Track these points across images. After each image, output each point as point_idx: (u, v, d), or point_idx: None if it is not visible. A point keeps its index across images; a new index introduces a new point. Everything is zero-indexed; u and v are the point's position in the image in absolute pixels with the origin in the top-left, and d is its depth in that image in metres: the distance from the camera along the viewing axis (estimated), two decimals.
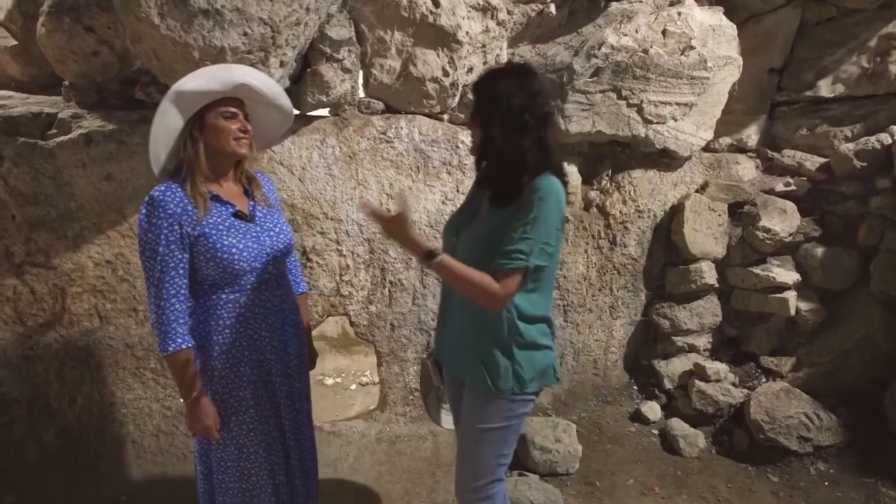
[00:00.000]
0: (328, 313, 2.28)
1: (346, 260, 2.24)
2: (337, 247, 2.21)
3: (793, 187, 2.70)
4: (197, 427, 1.38)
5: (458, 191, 2.33)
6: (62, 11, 1.88)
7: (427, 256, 1.23)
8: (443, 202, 2.32)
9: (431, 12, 2.12)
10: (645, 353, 2.86)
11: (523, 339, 1.31)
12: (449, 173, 2.31)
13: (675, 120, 2.53)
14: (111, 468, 2.09)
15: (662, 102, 2.46)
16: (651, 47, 2.31)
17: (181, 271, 1.33)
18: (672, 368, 2.72)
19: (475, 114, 1.32)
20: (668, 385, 2.69)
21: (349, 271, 2.25)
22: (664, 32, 2.34)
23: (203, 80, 1.28)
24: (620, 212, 2.67)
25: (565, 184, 1.36)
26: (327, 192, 2.15)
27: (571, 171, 2.58)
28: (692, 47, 2.36)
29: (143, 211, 1.31)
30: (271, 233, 1.46)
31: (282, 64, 1.69)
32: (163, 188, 1.32)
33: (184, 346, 1.34)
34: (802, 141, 2.88)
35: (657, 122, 2.50)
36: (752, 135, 2.95)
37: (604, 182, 2.66)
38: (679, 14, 2.35)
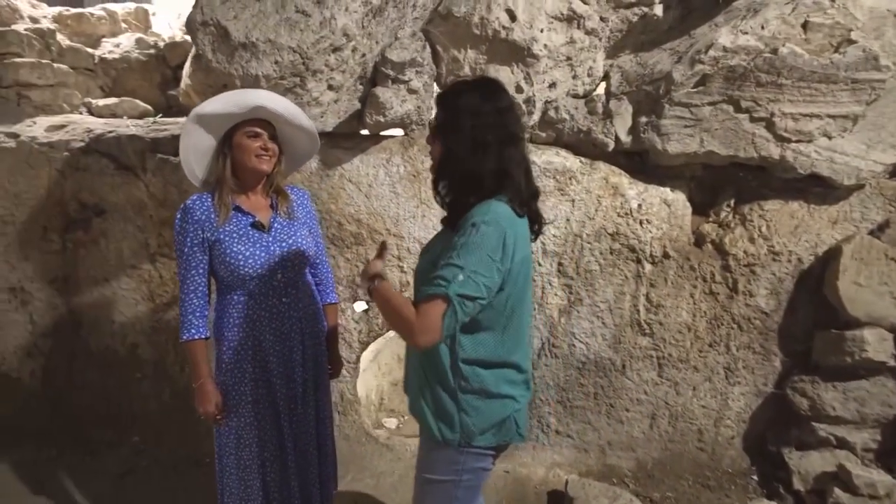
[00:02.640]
0: (387, 327, 2.33)
1: (407, 276, 2.26)
2: (398, 263, 2.25)
3: None
4: (200, 410, 1.55)
5: None
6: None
7: (371, 279, 1.17)
8: None
9: (504, 27, 2.02)
10: (775, 436, 2.22)
11: (470, 385, 1.15)
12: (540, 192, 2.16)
13: (829, 137, 1.93)
14: (206, 431, 2.46)
15: (805, 115, 1.90)
16: (783, 45, 1.81)
17: (201, 271, 1.52)
18: (808, 464, 2.05)
19: (437, 128, 1.22)
20: (798, 485, 2.04)
21: (409, 288, 2.27)
22: (805, 26, 1.81)
23: (220, 104, 1.45)
24: (745, 251, 2.14)
25: (535, 216, 1.19)
26: (391, 209, 2.21)
27: (677, 198, 2.17)
28: (851, 41, 1.78)
29: (178, 216, 1.53)
30: (283, 244, 1.56)
31: (331, 87, 1.81)
32: (195, 198, 1.53)
33: (196, 337, 1.52)
34: None
35: (798, 140, 1.94)
36: None
37: (723, 213, 2.17)
38: (832, 0, 1.79)
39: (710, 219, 2.19)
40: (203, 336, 1.53)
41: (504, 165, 1.12)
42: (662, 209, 2.15)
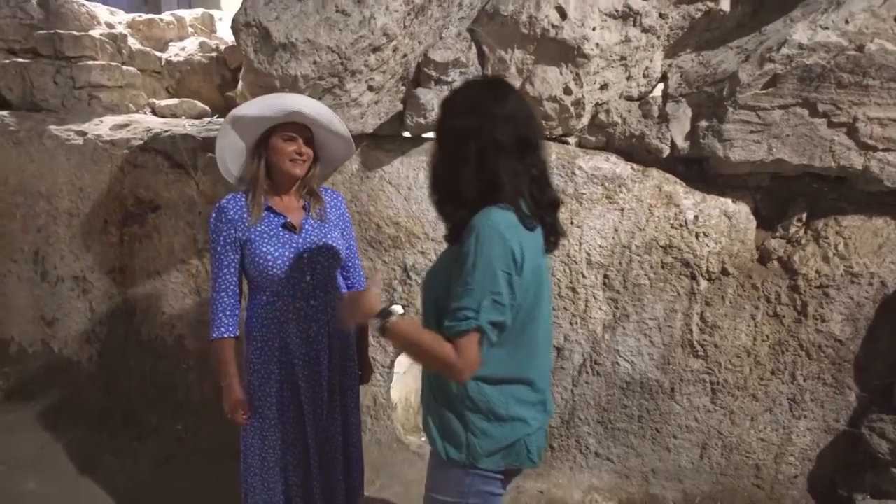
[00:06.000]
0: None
1: None
2: None
3: None
4: (226, 409, 1.56)
5: (571, 223, 2.05)
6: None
7: (379, 318, 1.09)
8: None
9: (554, 26, 1.93)
10: (846, 479, 1.98)
11: (477, 405, 1.08)
12: (561, 202, 2.05)
13: None
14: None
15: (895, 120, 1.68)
16: (871, 41, 1.61)
17: (232, 269, 1.53)
18: None
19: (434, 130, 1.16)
20: None
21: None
22: None
23: (258, 107, 1.46)
24: (818, 271, 1.93)
25: (550, 229, 1.11)
26: (430, 212, 2.15)
27: (739, 210, 1.99)
28: None
29: (213, 215, 1.55)
30: (313, 245, 1.55)
31: (371, 88, 1.78)
32: (230, 197, 1.54)
33: (225, 335, 1.53)
34: None
35: (886, 149, 1.72)
36: None
37: (793, 228, 1.96)
38: None
39: (778, 234, 1.99)
40: (232, 335, 1.54)
41: (490, 177, 1.03)
42: (722, 221, 1.98)
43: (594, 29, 1.92)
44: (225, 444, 2.45)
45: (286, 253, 1.50)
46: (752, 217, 2.00)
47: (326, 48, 1.57)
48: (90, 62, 2.74)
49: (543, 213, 1.10)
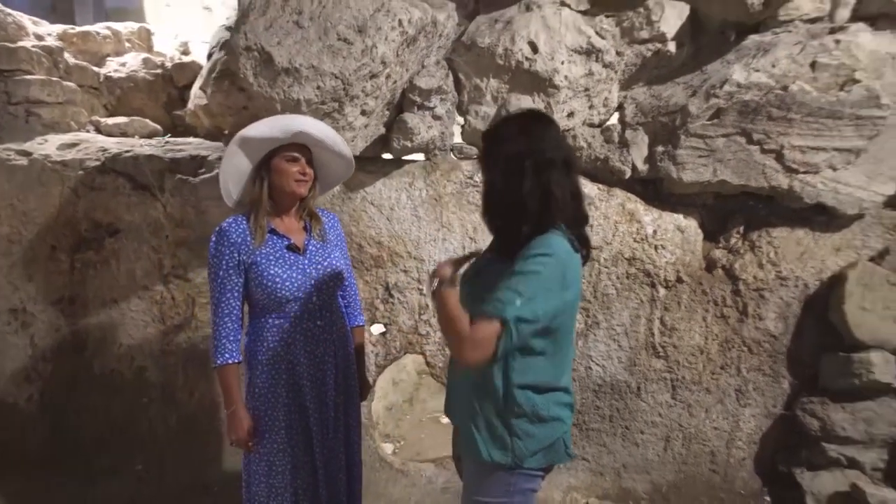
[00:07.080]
0: (405, 350, 2.33)
1: (426, 299, 2.27)
2: (418, 286, 2.26)
3: None
4: (232, 437, 1.52)
5: None
6: (224, 76, 2.33)
7: (440, 281, 1.15)
8: None
9: (527, 59, 2.10)
10: (785, 457, 2.27)
11: (523, 410, 1.18)
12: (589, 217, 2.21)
13: (834, 169, 2.04)
14: (213, 458, 2.40)
15: (812, 148, 2.01)
16: (793, 83, 1.92)
17: (236, 294, 1.50)
18: (820, 484, 2.11)
19: (480, 159, 1.27)
20: None
21: (428, 311, 2.28)
22: (813, 65, 1.93)
23: (265, 128, 1.47)
24: (755, 277, 2.22)
25: (584, 241, 1.23)
26: (412, 232, 2.23)
27: (689, 224, 2.25)
28: (855, 80, 1.90)
29: (213, 239, 1.52)
30: (318, 266, 1.56)
31: (364, 112, 1.84)
32: (231, 220, 1.53)
33: (230, 361, 1.50)
34: None
35: (806, 172, 2.05)
36: None
37: (733, 240, 2.25)
38: (837, 42, 1.92)
39: (721, 245, 2.27)
40: (237, 360, 1.52)
41: (545, 188, 1.15)
42: (676, 235, 2.23)
43: (563, 63, 2.12)
44: (195, 481, 2.33)
45: (294, 274, 1.51)
46: (699, 231, 2.27)
47: (330, 74, 1.61)
48: (27, 76, 2.54)
49: (579, 229, 1.22)
